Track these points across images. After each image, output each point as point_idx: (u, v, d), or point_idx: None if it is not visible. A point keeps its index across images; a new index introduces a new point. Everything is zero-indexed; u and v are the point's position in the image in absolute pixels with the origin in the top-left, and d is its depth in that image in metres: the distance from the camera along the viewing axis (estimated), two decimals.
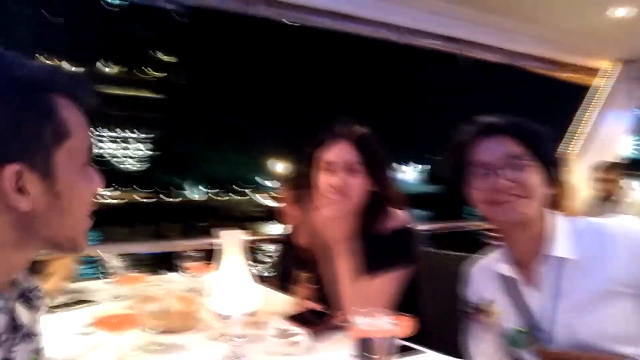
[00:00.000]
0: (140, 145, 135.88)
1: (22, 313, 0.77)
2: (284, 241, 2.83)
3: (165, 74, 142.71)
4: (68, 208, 0.74)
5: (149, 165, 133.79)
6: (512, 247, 1.32)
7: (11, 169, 0.67)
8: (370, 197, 1.72)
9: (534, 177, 1.24)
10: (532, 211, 1.23)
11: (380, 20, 3.57)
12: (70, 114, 0.74)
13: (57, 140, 0.71)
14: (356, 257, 1.64)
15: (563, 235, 1.25)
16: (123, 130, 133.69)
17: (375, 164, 1.71)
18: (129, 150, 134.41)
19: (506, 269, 1.32)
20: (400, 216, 1.75)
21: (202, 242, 2.66)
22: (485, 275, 1.40)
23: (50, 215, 0.72)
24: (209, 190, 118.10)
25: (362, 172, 1.69)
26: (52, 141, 0.71)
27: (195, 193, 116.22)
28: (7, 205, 0.68)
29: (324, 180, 1.70)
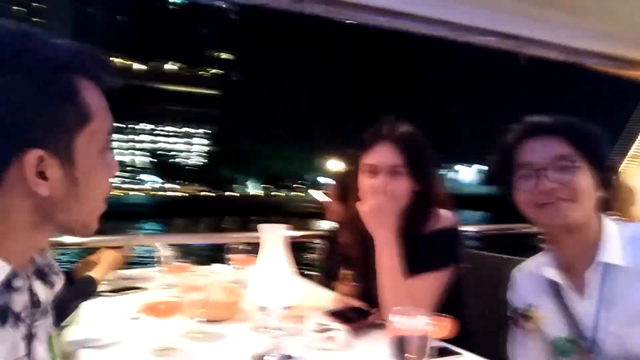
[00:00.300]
0: (201, 141, 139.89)
1: (40, 289, 0.77)
2: (329, 237, 2.83)
3: (225, 71, 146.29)
4: (85, 194, 0.73)
5: (209, 160, 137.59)
6: (560, 252, 1.27)
7: (33, 154, 0.66)
8: (414, 197, 1.70)
9: (583, 180, 1.18)
10: (579, 215, 1.17)
11: (438, 18, 3.50)
12: (92, 96, 0.72)
13: (78, 124, 0.70)
14: (399, 256, 1.63)
15: (616, 241, 1.19)
16: (185, 126, 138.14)
17: (418, 165, 1.68)
18: (191, 146, 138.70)
19: (554, 274, 1.26)
20: (445, 217, 1.71)
21: (252, 235, 2.69)
22: (532, 280, 1.35)
23: (68, 200, 0.71)
24: (266, 185, 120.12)
25: (405, 173, 1.67)
26: (74, 125, 0.70)
27: (253, 188, 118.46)
28: (28, 190, 0.67)
29: (367, 182, 1.70)
